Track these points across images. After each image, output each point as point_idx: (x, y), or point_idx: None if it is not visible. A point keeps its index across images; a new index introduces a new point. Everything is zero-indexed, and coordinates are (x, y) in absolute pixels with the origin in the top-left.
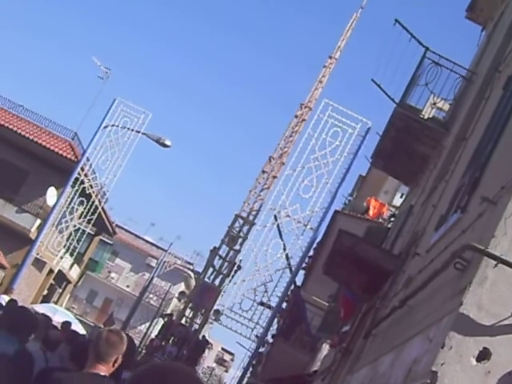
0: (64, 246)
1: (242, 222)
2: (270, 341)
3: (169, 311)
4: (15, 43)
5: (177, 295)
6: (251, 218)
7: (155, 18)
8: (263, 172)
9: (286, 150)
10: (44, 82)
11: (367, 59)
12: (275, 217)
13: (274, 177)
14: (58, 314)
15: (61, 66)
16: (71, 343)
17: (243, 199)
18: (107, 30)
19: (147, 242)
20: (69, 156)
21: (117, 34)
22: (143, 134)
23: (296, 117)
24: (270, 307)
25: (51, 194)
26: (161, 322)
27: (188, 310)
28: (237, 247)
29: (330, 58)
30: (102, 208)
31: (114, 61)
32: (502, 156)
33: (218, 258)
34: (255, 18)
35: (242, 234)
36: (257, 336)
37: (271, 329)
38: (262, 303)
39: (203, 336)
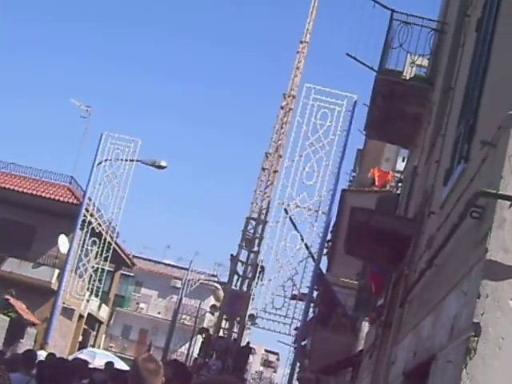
0: (87, 289)
1: (254, 223)
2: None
3: (204, 326)
4: None
5: (208, 309)
6: (262, 217)
7: (112, 42)
8: (263, 169)
9: (280, 142)
10: (27, 133)
11: (338, 34)
12: (285, 210)
13: (275, 171)
14: (98, 356)
15: (40, 115)
16: (117, 381)
17: (250, 200)
18: (74, 68)
19: (167, 265)
20: (70, 200)
21: (84, 69)
22: (137, 161)
23: (282, 108)
24: (301, 299)
25: (63, 242)
26: (199, 338)
27: (224, 322)
28: (255, 249)
29: (302, 42)
30: (115, 243)
31: (90, 96)
32: (490, 97)
33: (240, 263)
34: (216, 20)
35: (257, 235)
36: (295, 329)
37: (308, 319)
38: (293, 297)
39: (247, 342)
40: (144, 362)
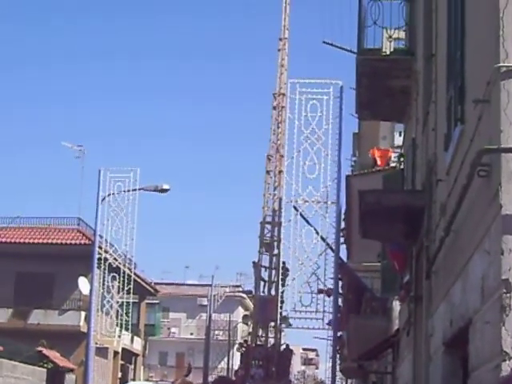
0: (117, 325)
1: (269, 226)
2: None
3: (239, 338)
4: None
5: (240, 321)
6: (276, 219)
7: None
8: (268, 172)
9: (279, 142)
10: (27, 187)
11: (315, 26)
12: (294, 207)
13: (280, 171)
14: None
15: (34, 165)
16: None
17: (261, 205)
18: (58, 112)
19: (190, 285)
20: (82, 242)
21: (66, 112)
22: (140, 189)
23: (274, 108)
24: (327, 292)
25: (83, 284)
26: (237, 353)
27: (260, 330)
28: (275, 251)
29: (281, 39)
30: (135, 274)
31: (80, 138)
32: (473, 55)
33: (263, 269)
34: (189, 34)
35: (275, 238)
36: (328, 324)
37: (339, 310)
38: (319, 291)
39: (286, 345)
40: None
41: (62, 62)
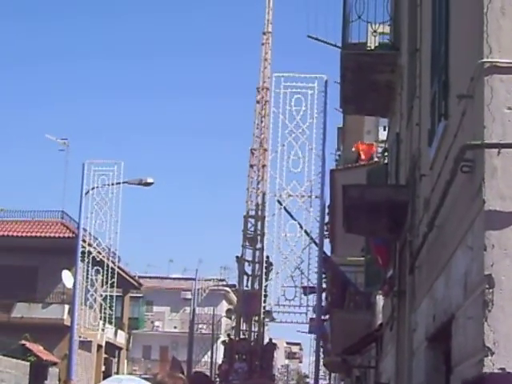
0: (100, 318)
1: (253, 220)
2: (327, 316)
3: (222, 332)
4: None
5: (223, 315)
6: (260, 213)
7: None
8: (251, 166)
9: (263, 136)
10: (9, 178)
11: (300, 20)
12: (278, 201)
13: (264, 166)
14: (124, 382)
15: (18, 158)
16: None
17: (245, 199)
18: (45, 105)
19: (174, 278)
20: (66, 235)
21: (54, 105)
22: (124, 182)
23: (258, 102)
24: (310, 289)
25: (67, 277)
26: (221, 346)
27: (243, 324)
28: (259, 245)
29: (264, 33)
30: (118, 267)
31: (65, 130)
32: (458, 50)
33: (247, 263)
34: (170, 31)
35: (258, 232)
36: (312, 319)
37: (323, 305)
38: (303, 288)
39: (270, 339)
40: (163, 379)
41: (47, 60)
